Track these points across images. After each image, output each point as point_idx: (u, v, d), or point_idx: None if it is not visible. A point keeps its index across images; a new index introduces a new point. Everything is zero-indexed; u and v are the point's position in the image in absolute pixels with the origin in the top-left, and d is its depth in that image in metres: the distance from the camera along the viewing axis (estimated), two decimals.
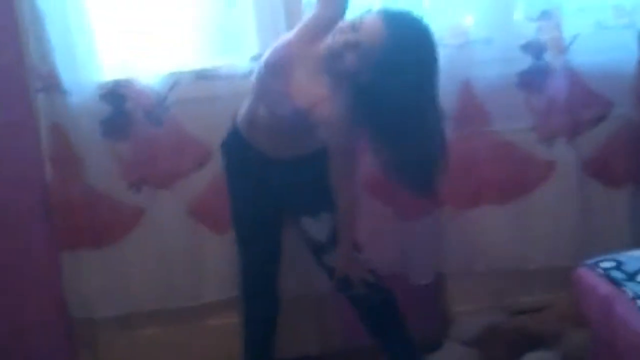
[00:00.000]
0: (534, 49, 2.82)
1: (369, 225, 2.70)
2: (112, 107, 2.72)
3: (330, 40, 2.18)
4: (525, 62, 2.83)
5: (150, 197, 2.81)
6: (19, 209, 2.80)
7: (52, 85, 2.66)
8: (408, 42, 2.12)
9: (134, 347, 2.92)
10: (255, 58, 2.69)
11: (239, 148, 2.51)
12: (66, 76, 2.66)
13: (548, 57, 2.82)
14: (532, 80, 2.84)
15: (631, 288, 2.13)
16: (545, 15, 2.80)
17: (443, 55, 2.29)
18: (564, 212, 2.94)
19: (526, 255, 2.97)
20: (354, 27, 2.14)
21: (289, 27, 2.61)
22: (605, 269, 2.24)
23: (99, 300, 2.85)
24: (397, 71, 2.08)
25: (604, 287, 2.19)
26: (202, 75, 2.78)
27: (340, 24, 2.20)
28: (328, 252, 2.48)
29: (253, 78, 2.42)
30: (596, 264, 2.28)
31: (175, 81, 2.74)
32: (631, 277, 2.18)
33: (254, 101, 2.41)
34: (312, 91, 2.25)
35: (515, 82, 2.85)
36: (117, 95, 2.71)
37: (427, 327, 2.87)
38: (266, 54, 2.36)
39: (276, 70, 2.30)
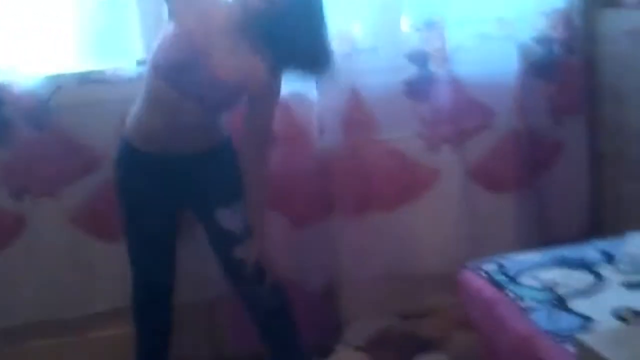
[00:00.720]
0: (419, 58, 2.89)
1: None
2: None
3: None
4: (411, 71, 2.90)
5: (32, 205, 2.71)
6: None
7: None
8: None
9: None
10: (141, 62, 2.65)
11: (134, 160, 2.45)
12: None
13: (432, 66, 2.89)
14: (417, 89, 2.91)
15: (512, 290, 2.19)
16: (429, 25, 2.87)
17: None
18: (450, 218, 3.02)
19: (414, 261, 3.02)
20: None
21: None
22: (488, 272, 2.30)
23: None
24: None
25: (487, 290, 2.25)
26: (86, 79, 2.72)
27: None
28: (241, 244, 2.45)
29: (145, 84, 2.38)
30: (479, 267, 2.34)
31: (58, 85, 2.66)
32: (512, 279, 2.25)
33: (149, 106, 2.37)
34: (241, 62, 2.28)
35: (402, 91, 2.91)
36: None
37: (320, 333, 2.88)
38: (160, 56, 2.32)
39: (189, 65, 2.27)
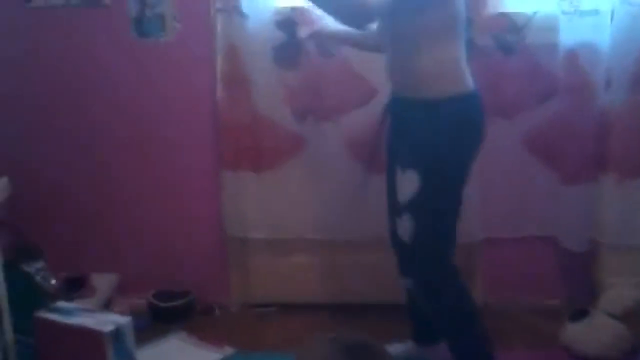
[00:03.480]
0: None
1: (532, 187, 2.63)
2: (286, 35, 2.76)
3: None
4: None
5: (312, 128, 2.85)
6: (190, 124, 2.94)
7: (232, 6, 2.74)
8: None
9: (282, 272, 3.00)
10: None
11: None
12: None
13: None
14: None
15: None
16: None
17: None
18: None
19: None
20: None
21: None
22: None
23: (253, 222, 2.95)
24: None
25: None
26: None
27: None
28: (399, 216, 2.23)
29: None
30: None
31: None
32: None
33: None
34: None
35: None
36: (291, 23, 2.74)
37: (574, 293, 2.80)
38: None
39: None
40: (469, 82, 2.20)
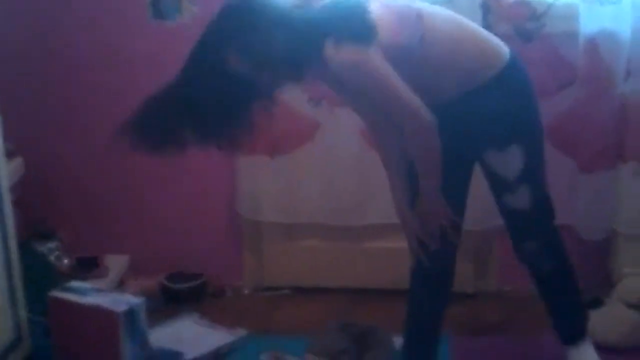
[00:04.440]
0: None
1: (550, 175, 2.60)
2: None
3: None
4: None
5: (327, 113, 2.84)
6: None
7: None
8: None
9: (295, 255, 3.01)
10: None
11: None
12: None
13: None
14: None
15: None
16: None
17: None
18: None
19: None
20: None
21: None
22: None
23: (267, 205, 2.96)
24: None
25: None
26: None
27: None
28: (511, 191, 2.24)
29: None
30: None
31: None
32: None
33: None
34: None
35: None
36: None
37: (591, 282, 2.77)
38: None
39: None
40: (495, 44, 2.20)
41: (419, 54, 2.07)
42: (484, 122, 2.19)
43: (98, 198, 3.03)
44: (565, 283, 2.39)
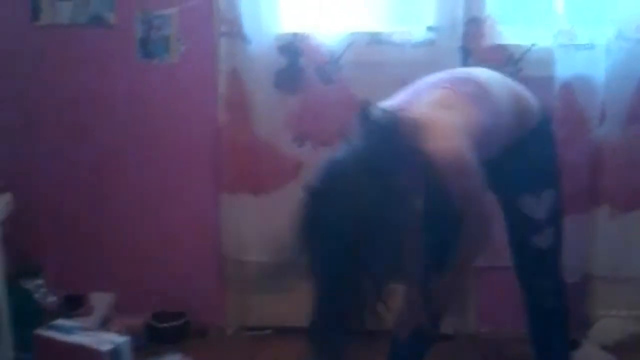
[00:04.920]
0: None
1: None
2: (287, 60, 2.81)
3: None
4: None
5: (311, 152, 2.87)
6: (191, 145, 2.97)
7: (235, 31, 2.78)
8: None
9: (278, 295, 2.98)
10: (431, 28, 2.74)
11: None
12: (249, 24, 2.77)
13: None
14: None
15: None
16: None
17: None
18: None
19: None
20: None
21: None
22: None
23: (251, 244, 2.96)
24: None
25: None
26: (375, 40, 2.83)
27: None
28: (539, 232, 2.32)
29: None
30: None
31: (350, 42, 2.79)
32: None
33: None
34: None
35: None
36: (293, 49, 2.80)
37: None
38: None
39: None
40: (530, 99, 2.28)
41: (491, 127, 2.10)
42: (522, 171, 2.27)
43: (84, 236, 3.04)
44: (561, 321, 2.46)
